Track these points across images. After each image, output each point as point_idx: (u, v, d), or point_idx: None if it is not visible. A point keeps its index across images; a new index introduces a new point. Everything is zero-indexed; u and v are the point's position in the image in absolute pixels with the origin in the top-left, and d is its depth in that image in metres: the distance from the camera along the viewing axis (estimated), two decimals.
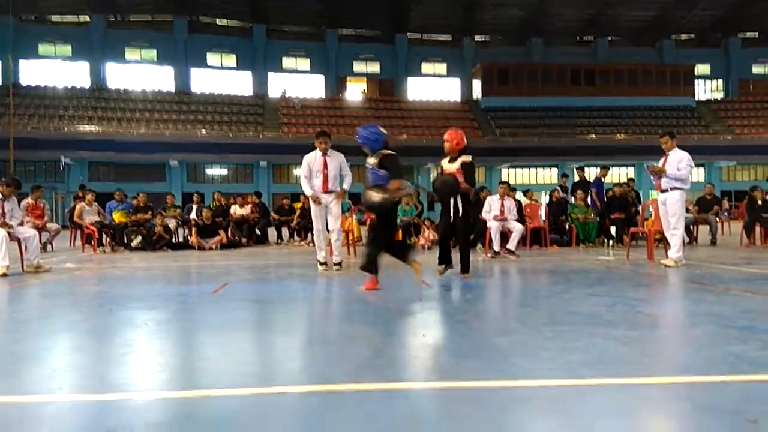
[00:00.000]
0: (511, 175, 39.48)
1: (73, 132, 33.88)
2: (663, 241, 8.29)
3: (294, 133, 37.37)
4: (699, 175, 37.76)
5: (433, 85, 46.42)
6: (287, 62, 45.09)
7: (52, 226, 11.81)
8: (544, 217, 11.88)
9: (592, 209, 11.84)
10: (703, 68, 47.05)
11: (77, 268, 8.21)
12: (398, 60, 45.69)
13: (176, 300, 5.07)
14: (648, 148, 31.82)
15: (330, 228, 7.34)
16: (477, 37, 47.16)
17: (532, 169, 41.25)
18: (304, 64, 45.42)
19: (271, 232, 14.22)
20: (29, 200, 11.23)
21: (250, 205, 13.57)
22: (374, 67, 46.36)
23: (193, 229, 11.89)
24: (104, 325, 4.01)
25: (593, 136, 39.60)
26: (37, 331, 3.78)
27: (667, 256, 7.43)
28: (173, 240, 12.17)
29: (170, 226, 12.23)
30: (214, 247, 11.59)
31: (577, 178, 13.07)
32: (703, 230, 12.32)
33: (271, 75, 44.34)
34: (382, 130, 5.78)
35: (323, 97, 43.98)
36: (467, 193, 6.25)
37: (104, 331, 3.82)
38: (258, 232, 13.47)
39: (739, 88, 47.51)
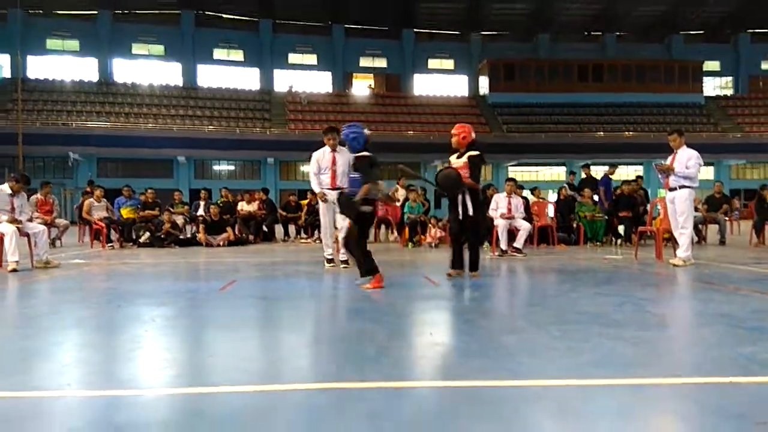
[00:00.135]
0: (518, 172, 39.35)
1: (81, 127, 34.03)
2: (672, 240, 8.24)
3: (301, 129, 37.39)
4: (708, 173, 37.50)
5: (439, 81, 46.33)
6: (294, 58, 45.12)
7: (61, 221, 11.88)
8: (551, 215, 11.84)
9: (600, 207, 11.79)
10: (712, 65, 46.70)
11: (86, 264, 8.25)
12: (405, 55, 45.63)
13: (184, 296, 5.09)
14: (656, 145, 31.58)
15: (338, 226, 7.33)
16: (484, 33, 46.99)
17: (539, 167, 41.11)
18: (311, 59, 45.42)
19: (278, 229, 14.24)
20: (38, 196, 11.30)
21: (257, 202, 13.58)
22: (381, 63, 46.31)
23: (201, 226, 11.92)
24: (112, 321, 4.04)
25: (601, 133, 39.40)
26: (46, 327, 3.80)
27: (675, 256, 7.39)
28: (181, 236, 12.21)
29: (178, 222, 12.27)
30: (221, 243, 11.62)
31: (583, 176, 13.02)
32: (712, 229, 12.25)
33: (277, 71, 44.39)
34: (365, 130, 5.73)
35: (330, 92, 43.98)
36: (473, 188, 6.07)
37: (112, 327, 3.85)
38: (265, 228, 13.49)
39: (749, 84, 47.12)
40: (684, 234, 7.27)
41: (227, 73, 43.48)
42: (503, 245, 9.22)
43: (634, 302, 4.50)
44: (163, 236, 11.58)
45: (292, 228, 14.03)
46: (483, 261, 7.26)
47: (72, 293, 5.52)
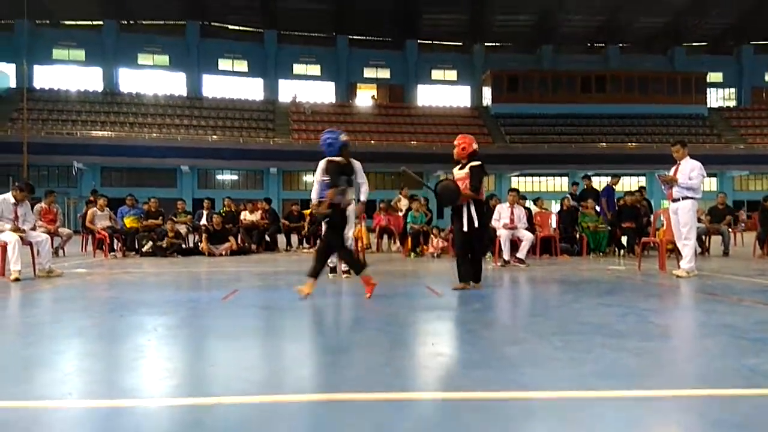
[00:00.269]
0: (521, 183, 39.36)
1: (85, 137, 34.20)
2: (675, 251, 8.22)
3: (304, 139, 37.50)
4: (711, 184, 37.43)
5: (443, 92, 46.46)
6: (298, 68, 45.34)
7: (64, 230, 11.90)
8: (554, 226, 11.82)
9: (603, 218, 11.78)
10: (715, 76, 46.75)
11: (88, 273, 8.27)
12: (408, 66, 45.81)
13: (186, 306, 5.09)
14: (659, 156, 31.56)
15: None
16: (487, 44, 47.19)
17: (542, 178, 41.11)
18: (315, 70, 45.64)
19: (281, 239, 14.25)
20: (42, 205, 11.33)
21: (260, 211, 13.60)
22: (384, 73, 46.50)
23: (204, 235, 11.94)
24: (115, 331, 4.04)
25: (604, 144, 39.41)
26: (48, 336, 3.81)
27: (679, 267, 7.37)
28: (183, 246, 12.23)
29: (181, 231, 12.29)
30: (224, 253, 11.63)
31: (584, 187, 13.01)
32: (716, 241, 12.21)
33: (281, 81, 44.61)
34: (342, 136, 5.75)
35: (333, 103, 44.15)
36: (476, 199, 6.01)
37: (115, 337, 3.85)
38: (268, 238, 13.50)
39: (752, 96, 47.14)
40: (687, 245, 7.25)
41: (232, 83, 43.71)
42: (506, 255, 9.20)
43: (637, 313, 4.49)
44: (165, 246, 11.60)
45: (294, 237, 14.04)
46: (485, 271, 7.25)
47: (74, 302, 5.52)
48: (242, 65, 44.57)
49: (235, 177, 38.65)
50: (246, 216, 13.33)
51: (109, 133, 35.39)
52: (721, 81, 47.74)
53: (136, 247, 11.88)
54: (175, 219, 12.51)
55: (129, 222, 12.09)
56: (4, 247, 7.28)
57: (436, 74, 46.97)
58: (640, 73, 44.09)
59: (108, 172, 35.33)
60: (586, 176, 13.49)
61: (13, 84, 38.59)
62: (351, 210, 7.24)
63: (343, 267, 7.29)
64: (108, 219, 11.98)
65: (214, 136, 37.06)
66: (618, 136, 40.71)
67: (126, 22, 42.85)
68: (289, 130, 39.22)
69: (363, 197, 7.35)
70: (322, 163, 6.09)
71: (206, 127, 38.23)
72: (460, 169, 6.21)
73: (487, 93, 44.46)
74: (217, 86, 43.02)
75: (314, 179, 7.51)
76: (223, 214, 12.93)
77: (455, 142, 6.27)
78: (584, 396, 2.43)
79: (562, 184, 39.98)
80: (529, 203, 11.97)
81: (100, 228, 11.67)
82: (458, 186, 5.97)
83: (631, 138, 40.72)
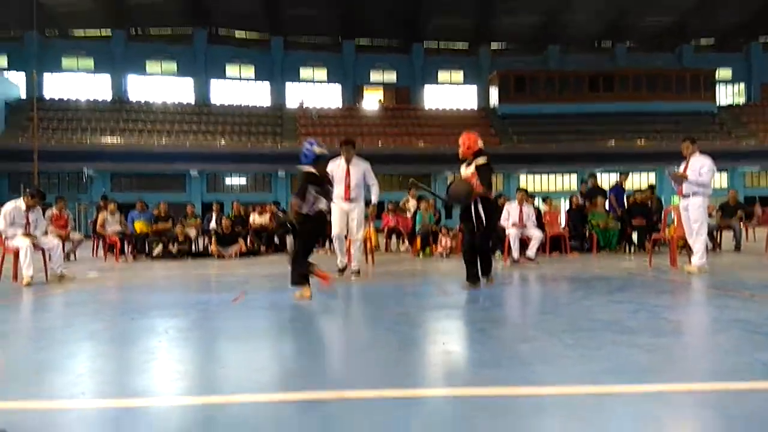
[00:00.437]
0: (529, 181, 39.20)
1: (95, 144, 34.46)
2: (686, 248, 8.15)
3: None
4: (722, 180, 37.13)
5: (449, 93, 46.41)
6: (305, 72, 45.46)
7: (75, 235, 11.99)
8: (563, 224, 11.77)
9: (612, 215, 11.71)
10: (724, 73, 46.41)
11: (100, 277, 8.32)
12: (415, 69, 45.80)
13: (196, 308, 5.11)
14: (669, 154, 31.32)
15: (352, 237, 7.36)
16: (493, 45, 47.09)
17: (551, 176, 40.92)
18: (322, 73, 45.75)
19: (289, 241, 14.28)
20: (53, 210, 11.43)
21: (268, 214, 13.68)
22: (391, 76, 46.52)
23: (213, 238, 12.00)
24: (126, 333, 4.06)
25: (612, 142, 39.20)
26: (60, 339, 3.83)
27: (690, 263, 7.32)
28: (193, 249, 12.29)
29: (190, 235, 12.37)
30: (233, 255, 11.68)
31: (590, 186, 12.96)
32: (727, 236, 12.11)
33: (289, 85, 44.73)
34: (315, 147, 5.75)
35: (340, 106, 44.22)
36: (487, 197, 6.01)
37: (126, 339, 3.87)
38: (276, 240, 13.56)
39: (762, 92, 46.72)
40: (698, 241, 7.20)
41: (239, 88, 43.92)
42: (515, 254, 9.18)
43: (649, 309, 4.45)
44: (175, 249, 11.66)
45: None
46: (495, 270, 7.23)
47: (86, 306, 5.56)
48: (249, 70, 44.74)
49: (243, 181, 38.80)
50: (255, 219, 13.43)
51: (119, 140, 35.64)
52: (730, 78, 47.38)
53: (147, 251, 11.96)
54: (184, 222, 12.59)
55: (139, 226, 12.16)
56: (16, 252, 7.36)
57: (443, 76, 46.92)
58: (648, 71, 43.78)
59: (118, 179, 35.56)
60: (592, 174, 13.44)
61: (23, 94, 38.98)
62: (360, 211, 7.27)
63: (353, 268, 7.30)
64: (118, 223, 12.07)
65: (223, 142, 37.24)
66: (627, 134, 40.44)
67: (134, 31, 43.18)
68: (296, 134, 39.31)
69: (374, 198, 7.37)
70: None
71: (215, 132, 38.41)
72: (467, 167, 6.20)
73: (494, 94, 44.34)
74: (224, 92, 43.21)
75: None
76: (232, 217, 13.01)
77: (459, 142, 6.29)
78: (595, 392, 2.42)
79: (570, 182, 39.80)
80: (538, 201, 11.93)
81: (110, 233, 11.75)
82: (470, 184, 5.94)
83: (640, 136, 40.45)
